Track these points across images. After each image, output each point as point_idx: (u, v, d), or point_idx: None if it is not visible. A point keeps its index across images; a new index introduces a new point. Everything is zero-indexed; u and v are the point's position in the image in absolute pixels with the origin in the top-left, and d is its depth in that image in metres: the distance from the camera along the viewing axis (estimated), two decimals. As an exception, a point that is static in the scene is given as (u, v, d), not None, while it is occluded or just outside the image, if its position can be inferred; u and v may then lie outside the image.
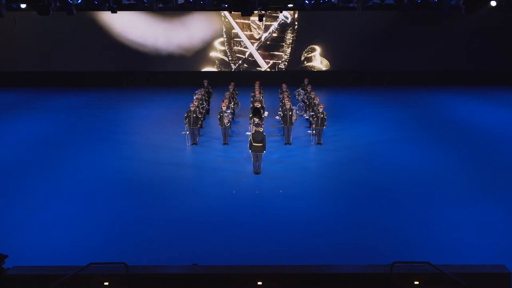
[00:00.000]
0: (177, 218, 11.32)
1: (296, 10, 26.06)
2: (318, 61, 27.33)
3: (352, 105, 23.11)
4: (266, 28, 26.80)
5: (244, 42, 26.95)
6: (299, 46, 27.16)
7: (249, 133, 14.83)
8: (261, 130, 14.23)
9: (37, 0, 15.02)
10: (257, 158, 14.02)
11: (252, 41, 26.99)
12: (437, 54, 27.12)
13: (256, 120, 15.24)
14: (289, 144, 16.69)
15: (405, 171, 14.27)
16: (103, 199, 12.36)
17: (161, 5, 16.89)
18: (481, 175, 13.90)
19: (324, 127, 16.65)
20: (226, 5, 17.28)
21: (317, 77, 24.93)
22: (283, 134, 17.08)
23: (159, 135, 18.07)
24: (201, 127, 18.04)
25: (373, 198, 12.35)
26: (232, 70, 27.16)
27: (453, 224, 10.95)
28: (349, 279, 7.32)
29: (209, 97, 20.85)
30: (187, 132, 16.73)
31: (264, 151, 14.09)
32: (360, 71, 27.52)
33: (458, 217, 11.25)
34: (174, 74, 27.38)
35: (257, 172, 14.05)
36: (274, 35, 26.97)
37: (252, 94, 19.95)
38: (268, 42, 27.07)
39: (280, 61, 27.25)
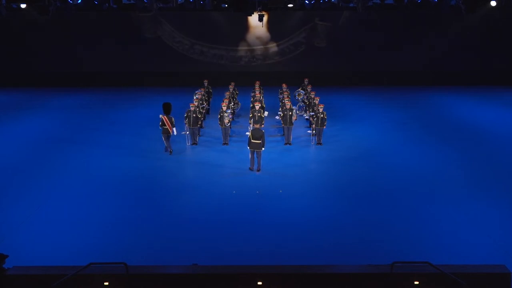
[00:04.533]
0: (177, 218, 11.33)
1: (296, 10, 26.06)
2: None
3: (352, 105, 23.11)
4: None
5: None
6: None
7: (249, 133, 14.85)
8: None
9: (37, 0, 15.06)
10: (255, 155, 14.04)
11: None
12: (437, 54, 27.11)
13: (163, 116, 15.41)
14: (289, 144, 16.69)
15: (405, 171, 14.26)
16: (103, 199, 12.36)
17: (161, 5, 16.92)
18: (481, 175, 13.90)
19: (324, 127, 16.65)
20: (226, 5, 17.31)
21: (317, 77, 24.93)
22: (283, 134, 17.08)
23: (159, 135, 18.04)
24: (201, 127, 18.04)
25: (373, 198, 12.34)
26: None
27: (453, 224, 10.94)
28: (349, 279, 7.32)
29: (209, 97, 20.84)
30: (187, 132, 16.73)
31: (263, 148, 14.10)
32: (360, 71, 27.51)
33: (458, 217, 11.25)
34: (174, 74, 27.38)
35: (256, 169, 14.06)
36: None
37: (252, 94, 19.95)
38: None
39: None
